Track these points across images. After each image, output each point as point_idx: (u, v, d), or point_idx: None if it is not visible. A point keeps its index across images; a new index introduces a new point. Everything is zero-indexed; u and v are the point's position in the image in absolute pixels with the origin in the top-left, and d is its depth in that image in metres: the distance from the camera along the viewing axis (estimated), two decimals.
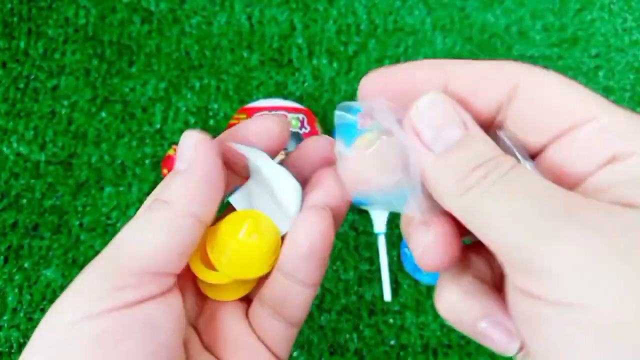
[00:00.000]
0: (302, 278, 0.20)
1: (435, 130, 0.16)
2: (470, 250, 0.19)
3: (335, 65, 0.52)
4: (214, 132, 0.50)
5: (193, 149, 0.19)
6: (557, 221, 0.14)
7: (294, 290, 0.20)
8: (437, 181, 0.16)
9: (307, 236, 0.19)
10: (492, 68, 0.17)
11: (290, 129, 0.22)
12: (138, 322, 0.17)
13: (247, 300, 0.22)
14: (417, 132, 0.16)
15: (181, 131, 0.50)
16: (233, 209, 0.22)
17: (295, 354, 0.45)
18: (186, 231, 0.18)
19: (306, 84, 0.52)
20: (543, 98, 0.16)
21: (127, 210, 0.48)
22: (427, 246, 0.17)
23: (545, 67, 0.16)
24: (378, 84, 0.18)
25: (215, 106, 0.51)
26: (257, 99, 0.50)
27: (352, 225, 0.48)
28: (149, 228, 0.18)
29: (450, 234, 0.17)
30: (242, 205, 0.21)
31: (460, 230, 0.18)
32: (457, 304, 0.17)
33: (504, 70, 0.17)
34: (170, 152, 0.47)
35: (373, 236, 0.48)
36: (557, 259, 0.13)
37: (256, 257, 0.20)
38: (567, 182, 0.16)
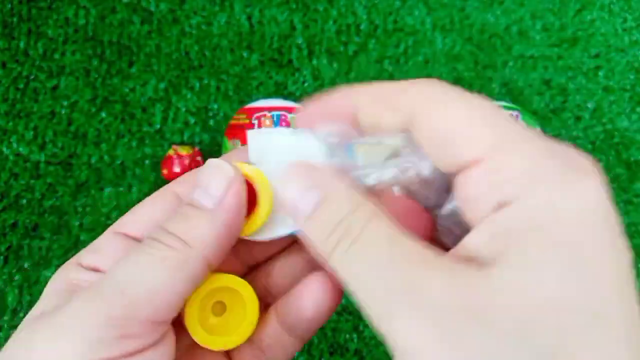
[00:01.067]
0: (299, 334, 0.20)
1: (300, 196, 0.16)
2: None
3: (335, 65, 0.52)
4: (214, 132, 0.50)
5: (224, 188, 0.17)
6: (396, 300, 0.14)
7: (287, 340, 0.20)
8: (311, 242, 0.16)
9: (315, 303, 0.19)
10: (394, 93, 0.16)
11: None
12: None
13: None
14: (290, 197, 0.17)
15: (181, 131, 0.50)
16: None
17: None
18: (198, 277, 0.17)
19: (306, 84, 0.52)
20: (438, 131, 0.15)
21: (127, 210, 0.48)
22: None
23: (452, 87, 0.16)
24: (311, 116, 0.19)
25: (215, 106, 0.51)
26: (257, 99, 0.50)
27: None
28: (160, 268, 0.16)
29: None
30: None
31: None
32: None
33: (405, 96, 0.16)
34: (170, 152, 0.47)
35: None
36: (399, 338, 0.13)
37: (231, 332, 0.20)
38: (464, 229, 0.15)
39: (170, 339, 0.18)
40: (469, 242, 0.14)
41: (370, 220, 0.15)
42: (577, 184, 0.14)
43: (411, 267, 0.14)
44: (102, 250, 0.19)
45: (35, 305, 0.18)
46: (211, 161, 0.18)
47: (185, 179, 0.20)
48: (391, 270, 0.14)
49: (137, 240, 0.19)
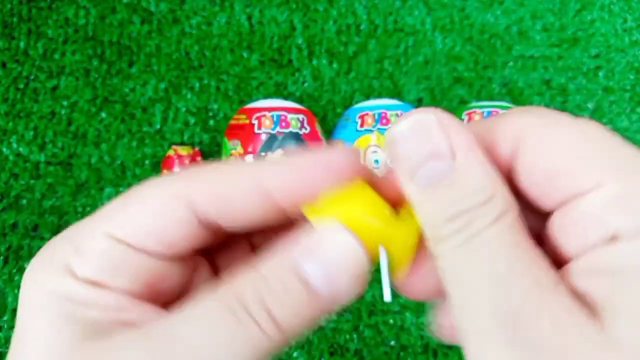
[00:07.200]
0: None
1: (415, 160, 0.13)
2: None
3: (335, 65, 0.52)
4: (214, 132, 0.50)
5: (347, 274, 0.14)
6: (494, 326, 0.12)
7: None
8: (420, 216, 0.14)
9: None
10: (498, 121, 0.14)
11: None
12: None
13: None
14: (396, 159, 0.13)
15: (181, 131, 0.50)
16: None
17: (295, 354, 0.45)
18: (272, 354, 0.14)
19: (306, 84, 0.52)
20: (547, 157, 0.13)
21: None
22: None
23: (561, 113, 0.14)
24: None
25: (215, 106, 0.51)
26: (257, 99, 0.50)
27: None
28: (242, 346, 0.14)
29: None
30: None
31: None
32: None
33: (511, 122, 0.14)
34: (170, 152, 0.47)
35: None
36: None
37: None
38: (562, 259, 0.14)
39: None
40: (576, 277, 0.13)
41: (499, 219, 0.13)
42: None
43: (525, 292, 0.12)
44: (95, 257, 0.16)
45: (16, 333, 0.15)
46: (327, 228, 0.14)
47: (179, 176, 0.18)
48: (503, 287, 0.12)
49: (128, 245, 0.16)
